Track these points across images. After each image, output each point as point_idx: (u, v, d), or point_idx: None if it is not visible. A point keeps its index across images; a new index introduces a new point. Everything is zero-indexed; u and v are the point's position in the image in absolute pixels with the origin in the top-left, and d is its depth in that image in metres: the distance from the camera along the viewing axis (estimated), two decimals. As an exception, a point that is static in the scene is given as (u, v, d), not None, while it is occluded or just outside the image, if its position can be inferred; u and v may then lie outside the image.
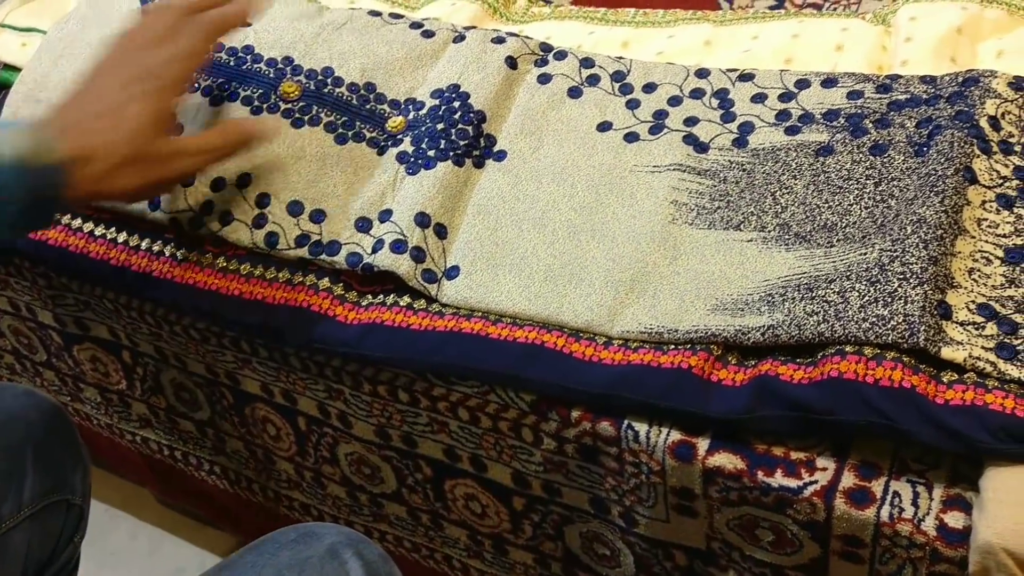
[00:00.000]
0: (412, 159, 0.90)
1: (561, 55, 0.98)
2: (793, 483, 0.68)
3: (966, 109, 0.79)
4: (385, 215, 0.87)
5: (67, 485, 0.96)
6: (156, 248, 0.91)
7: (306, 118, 0.93)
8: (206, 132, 0.91)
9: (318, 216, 0.89)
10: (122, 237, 0.93)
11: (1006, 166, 0.77)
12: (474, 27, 1.02)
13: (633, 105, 0.92)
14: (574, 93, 0.94)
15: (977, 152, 0.77)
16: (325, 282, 0.85)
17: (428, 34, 1.01)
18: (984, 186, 0.75)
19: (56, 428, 0.97)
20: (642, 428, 0.73)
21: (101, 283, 0.96)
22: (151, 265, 0.90)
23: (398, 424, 0.88)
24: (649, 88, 0.93)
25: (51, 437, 0.96)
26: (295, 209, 0.89)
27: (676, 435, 0.72)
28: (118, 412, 1.18)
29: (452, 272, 0.83)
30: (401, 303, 0.82)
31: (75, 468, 0.98)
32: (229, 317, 0.87)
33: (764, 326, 0.72)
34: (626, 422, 0.73)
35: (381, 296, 0.83)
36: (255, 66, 0.98)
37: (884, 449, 0.68)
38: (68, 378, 1.20)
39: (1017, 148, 0.78)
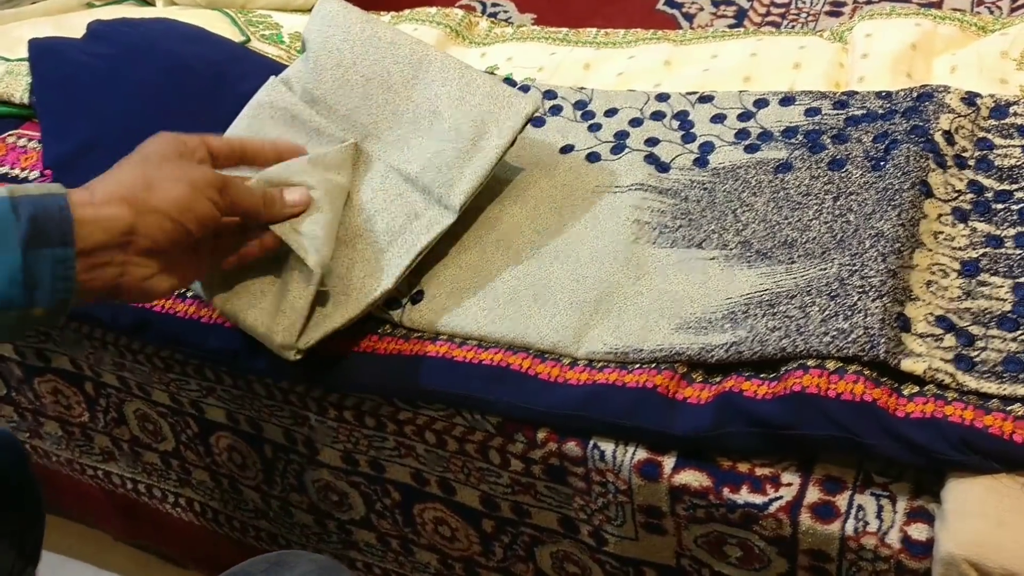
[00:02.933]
0: None
1: (524, 89, 0.98)
2: (759, 499, 0.68)
3: (921, 124, 0.80)
4: None
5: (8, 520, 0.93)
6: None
7: None
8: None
9: None
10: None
11: (960, 180, 0.78)
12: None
13: (595, 128, 0.92)
14: (537, 123, 0.95)
15: (933, 166, 0.78)
16: (288, 308, 0.84)
17: None
18: (940, 200, 0.76)
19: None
20: (608, 448, 0.73)
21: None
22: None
23: (365, 449, 0.87)
24: (611, 113, 0.93)
25: None
26: None
27: (642, 454, 0.72)
28: (80, 446, 1.17)
29: (417, 296, 0.83)
30: (366, 328, 0.82)
31: (21, 500, 0.95)
32: (187, 341, 0.86)
33: (727, 343, 0.72)
34: (592, 442, 0.73)
35: (345, 321, 0.83)
36: None
37: (848, 463, 0.68)
38: (28, 412, 1.19)
39: (971, 162, 0.79)
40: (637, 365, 0.74)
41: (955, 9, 1.04)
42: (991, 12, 1.07)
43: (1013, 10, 1.06)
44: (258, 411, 0.92)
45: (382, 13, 1.18)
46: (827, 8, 1.14)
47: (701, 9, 1.18)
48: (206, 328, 0.85)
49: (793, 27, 1.12)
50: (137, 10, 1.31)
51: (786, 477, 0.68)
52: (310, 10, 1.22)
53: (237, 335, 0.84)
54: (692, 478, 0.70)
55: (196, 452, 1.04)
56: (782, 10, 1.15)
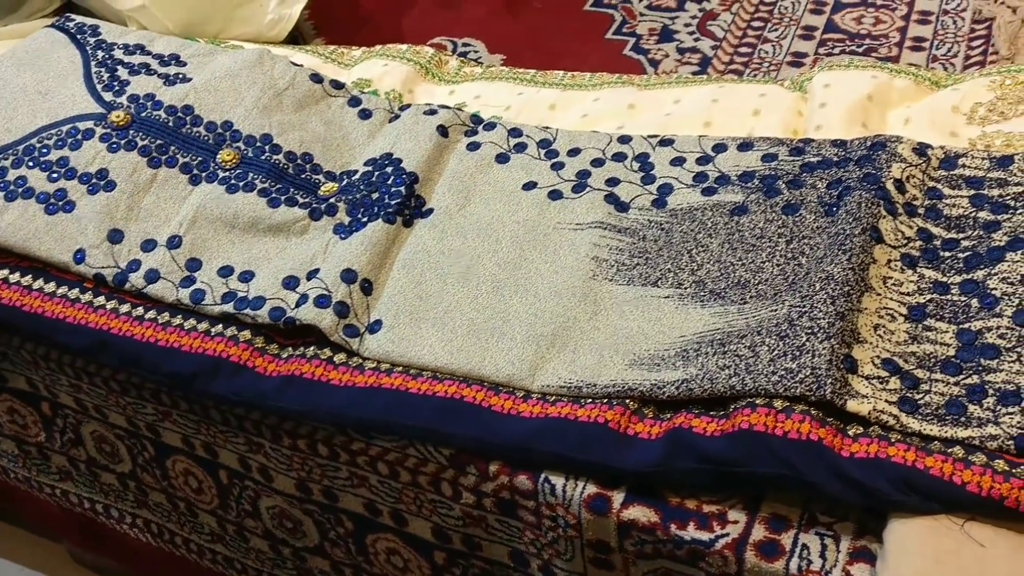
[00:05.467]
0: (346, 228, 0.91)
1: (490, 126, 1.00)
2: (705, 536, 0.69)
3: (873, 172, 0.83)
4: (312, 273, 0.88)
5: None
6: (72, 295, 0.91)
7: (241, 184, 0.95)
8: None
9: (247, 276, 0.89)
10: (38, 284, 0.92)
11: (910, 227, 0.80)
12: (408, 104, 1.05)
13: (558, 167, 0.94)
14: (502, 159, 0.96)
15: (883, 213, 0.80)
16: (246, 334, 0.85)
17: (365, 114, 1.03)
18: (890, 246, 0.78)
19: None
20: (559, 481, 0.73)
21: (13, 329, 0.95)
22: (66, 312, 0.89)
23: (318, 478, 0.87)
24: (573, 152, 0.95)
25: None
26: (225, 272, 0.90)
27: (592, 488, 0.72)
28: (36, 465, 1.16)
29: (375, 326, 0.83)
30: (322, 356, 0.82)
31: None
32: (143, 364, 0.86)
33: (678, 380, 0.73)
34: (543, 475, 0.74)
35: (302, 348, 0.84)
36: (194, 129, 1.00)
37: (794, 502, 0.69)
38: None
39: (920, 211, 0.81)
40: (590, 400, 0.75)
41: (911, 64, 1.07)
42: (945, 68, 1.10)
43: (966, 67, 1.10)
44: (213, 437, 0.91)
45: (353, 48, 1.19)
46: (789, 58, 1.17)
47: (666, 55, 1.21)
48: (163, 351, 0.85)
49: (755, 75, 1.15)
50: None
51: (733, 514, 0.69)
52: (282, 42, 1.24)
53: (194, 359, 0.84)
54: (640, 513, 0.70)
55: (153, 475, 1.03)
56: (745, 59, 1.18)
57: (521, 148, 0.98)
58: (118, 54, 1.10)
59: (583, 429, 0.73)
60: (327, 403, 0.80)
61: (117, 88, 1.04)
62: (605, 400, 0.75)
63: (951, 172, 0.84)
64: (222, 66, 1.06)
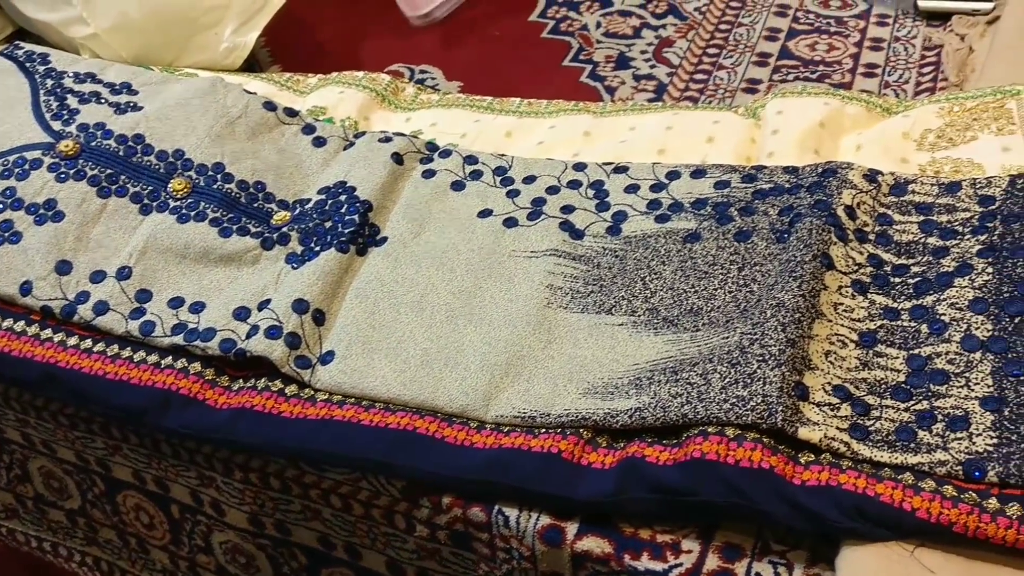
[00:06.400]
0: (299, 257, 0.90)
1: (446, 153, 1.00)
2: (659, 566, 0.68)
3: (824, 198, 0.83)
4: (264, 304, 0.87)
5: None
6: (19, 328, 0.89)
7: (192, 214, 0.94)
8: None
9: (197, 307, 0.88)
10: (-20, 318, 0.90)
11: (861, 253, 0.80)
12: (363, 132, 1.05)
13: (513, 194, 0.94)
14: (457, 186, 0.96)
15: (834, 239, 0.80)
16: (196, 366, 0.83)
17: (319, 142, 1.03)
18: (840, 272, 0.79)
19: None
20: (512, 513, 0.72)
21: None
22: (11, 345, 0.88)
23: (271, 511, 0.86)
24: (529, 180, 0.95)
25: None
26: (175, 303, 0.88)
27: (546, 520, 0.72)
28: (-17, 503, 1.13)
29: (327, 357, 0.82)
30: (273, 388, 0.81)
31: None
32: (92, 398, 0.84)
33: (632, 409, 0.73)
34: (497, 507, 0.73)
35: (253, 380, 0.82)
36: (145, 159, 0.98)
37: (748, 531, 0.69)
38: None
39: (871, 237, 0.82)
40: (543, 430, 0.75)
41: (864, 90, 1.08)
42: (897, 94, 1.12)
43: (917, 93, 1.11)
44: (165, 471, 0.90)
45: (309, 75, 1.19)
46: (744, 85, 1.18)
47: (623, 83, 1.21)
48: (112, 385, 0.84)
49: (710, 102, 1.16)
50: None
51: (686, 544, 0.69)
52: (238, 70, 1.23)
53: (143, 392, 0.83)
54: (594, 544, 0.70)
55: (103, 511, 1.01)
56: (700, 86, 1.19)
57: (477, 175, 0.97)
58: (68, 83, 1.09)
59: (537, 460, 0.72)
60: (279, 436, 0.79)
61: (66, 117, 1.03)
62: (559, 430, 0.74)
63: (901, 198, 0.85)
64: (174, 94, 1.05)
